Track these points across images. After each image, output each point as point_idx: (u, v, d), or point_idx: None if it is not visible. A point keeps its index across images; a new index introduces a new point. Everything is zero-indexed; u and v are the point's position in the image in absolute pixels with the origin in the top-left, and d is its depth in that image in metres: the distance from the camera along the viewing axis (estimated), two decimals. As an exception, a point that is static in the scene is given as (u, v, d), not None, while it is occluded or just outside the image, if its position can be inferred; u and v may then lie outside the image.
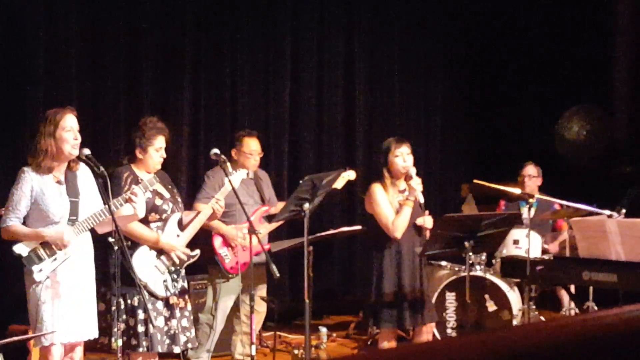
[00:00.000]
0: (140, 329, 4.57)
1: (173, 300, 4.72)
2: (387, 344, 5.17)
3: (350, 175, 5.94)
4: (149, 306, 4.44)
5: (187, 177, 7.12)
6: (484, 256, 6.43)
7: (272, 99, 7.87)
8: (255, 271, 5.11)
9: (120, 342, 4.32)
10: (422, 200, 5.02)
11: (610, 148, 8.23)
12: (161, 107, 6.94)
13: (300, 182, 5.08)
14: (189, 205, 5.47)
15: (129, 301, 4.58)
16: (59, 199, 4.18)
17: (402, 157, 5.05)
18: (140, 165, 4.79)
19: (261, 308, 5.85)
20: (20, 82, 6.36)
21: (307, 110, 8.08)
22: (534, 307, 6.39)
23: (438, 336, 6.08)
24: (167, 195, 4.82)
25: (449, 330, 6.25)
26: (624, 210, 5.49)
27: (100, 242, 4.49)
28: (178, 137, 6.82)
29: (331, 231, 5.99)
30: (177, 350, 4.73)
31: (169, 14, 7.19)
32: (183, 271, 4.85)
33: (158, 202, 4.74)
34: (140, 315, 4.57)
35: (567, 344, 1.21)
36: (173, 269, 4.76)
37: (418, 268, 5.10)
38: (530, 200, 5.90)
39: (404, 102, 8.77)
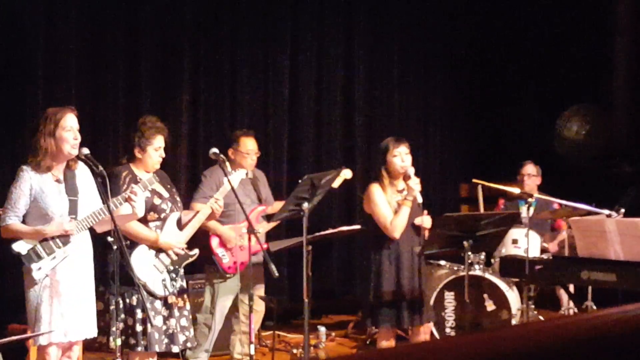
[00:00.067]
0: (139, 328, 4.57)
1: (172, 299, 4.72)
2: (386, 343, 5.17)
3: (346, 174, 5.94)
4: (148, 305, 4.44)
5: (186, 176, 7.12)
6: (482, 255, 6.43)
7: (271, 99, 7.86)
8: (253, 271, 5.11)
9: (118, 342, 4.32)
10: (420, 200, 5.02)
11: (610, 148, 8.22)
12: (160, 106, 6.93)
13: (300, 181, 5.08)
14: (187, 204, 5.47)
15: (127, 300, 4.57)
16: (58, 198, 4.18)
17: (401, 156, 5.05)
18: (139, 164, 4.79)
19: (259, 307, 5.84)
20: (20, 82, 6.36)
21: (307, 110, 8.08)
22: (532, 306, 6.39)
23: (437, 335, 6.08)
24: (166, 194, 4.82)
25: (447, 330, 6.24)
26: (623, 210, 5.50)
27: (99, 241, 4.49)
28: (177, 136, 6.82)
29: (330, 231, 5.99)
30: (175, 349, 4.73)
31: (168, 14, 7.19)
32: (182, 270, 4.84)
33: (157, 201, 4.74)
34: (139, 314, 4.57)
35: (566, 344, 1.20)
36: (172, 268, 4.76)
37: (417, 268, 5.10)
38: (530, 199, 5.90)
39: (403, 102, 8.76)
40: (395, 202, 5.03)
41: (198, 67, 7.38)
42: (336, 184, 5.78)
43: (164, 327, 4.66)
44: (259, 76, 7.79)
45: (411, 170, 5.02)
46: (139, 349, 4.58)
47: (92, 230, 4.33)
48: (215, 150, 4.87)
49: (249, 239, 4.87)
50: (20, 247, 4.12)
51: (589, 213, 5.64)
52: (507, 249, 6.46)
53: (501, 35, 8.89)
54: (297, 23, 8.02)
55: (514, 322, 6.13)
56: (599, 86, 8.27)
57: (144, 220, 4.65)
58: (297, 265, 6.02)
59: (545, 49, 8.61)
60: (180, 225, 4.85)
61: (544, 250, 6.69)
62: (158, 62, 7.10)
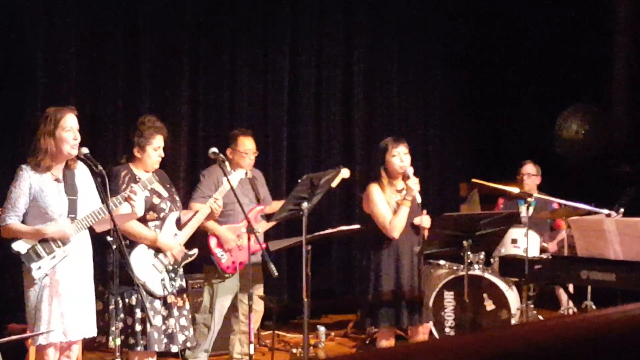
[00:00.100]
0: (138, 328, 4.57)
1: (171, 299, 4.72)
2: (386, 342, 5.17)
3: (344, 173, 5.93)
4: (147, 305, 4.43)
5: (185, 176, 7.12)
6: (482, 255, 6.43)
7: (270, 99, 7.86)
8: (252, 270, 5.10)
9: (118, 341, 4.32)
10: (419, 199, 5.02)
11: (609, 147, 8.23)
12: (160, 106, 6.94)
13: (299, 181, 5.08)
14: (187, 204, 5.47)
15: (126, 300, 4.57)
16: (57, 197, 4.18)
17: (400, 156, 5.05)
18: (138, 164, 4.79)
19: (258, 307, 5.84)
20: (20, 82, 6.36)
21: (306, 110, 8.08)
22: (532, 306, 6.39)
23: (436, 335, 6.08)
24: (165, 194, 4.82)
25: (447, 329, 6.24)
26: (622, 210, 5.50)
27: (98, 240, 4.49)
28: (176, 136, 6.82)
29: (330, 230, 5.98)
30: (174, 349, 4.73)
31: (168, 14, 7.19)
32: (181, 270, 4.84)
33: (156, 201, 4.74)
34: (138, 314, 4.57)
35: (566, 344, 1.20)
36: (171, 267, 4.76)
37: (416, 267, 5.10)
38: (529, 199, 5.90)
39: (403, 102, 8.76)
40: (394, 202, 5.03)
41: (198, 67, 7.38)
42: (334, 183, 5.78)
43: (163, 327, 4.66)
44: (259, 76, 7.79)
45: (410, 170, 5.02)
46: (139, 348, 4.58)
47: (91, 229, 4.33)
48: (214, 149, 4.87)
49: (249, 239, 4.87)
50: (20, 246, 4.12)
51: (589, 213, 5.64)
52: (507, 248, 6.46)
53: (501, 35, 8.89)
54: (296, 23, 8.02)
55: (513, 321, 6.13)
56: (599, 86, 8.27)
57: (143, 220, 4.65)
58: (296, 264, 6.02)
59: (545, 49, 8.61)
60: (179, 225, 4.85)
61: (543, 250, 6.68)
62: (158, 62, 7.10)
